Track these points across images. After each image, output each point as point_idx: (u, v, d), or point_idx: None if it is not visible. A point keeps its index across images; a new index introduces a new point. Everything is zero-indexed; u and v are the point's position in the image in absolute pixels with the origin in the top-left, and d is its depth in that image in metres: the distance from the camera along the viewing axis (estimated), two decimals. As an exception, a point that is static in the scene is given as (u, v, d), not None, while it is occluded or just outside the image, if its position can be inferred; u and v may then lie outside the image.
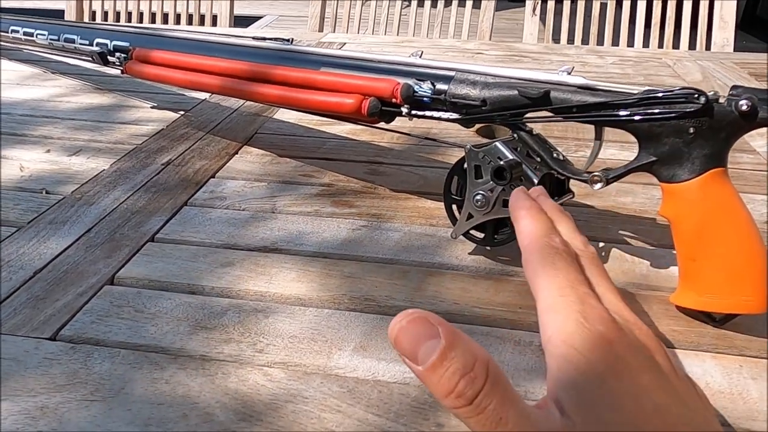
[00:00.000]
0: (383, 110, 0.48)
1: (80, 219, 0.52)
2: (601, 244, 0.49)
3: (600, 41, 1.42)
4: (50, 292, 0.42)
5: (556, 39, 1.44)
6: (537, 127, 0.45)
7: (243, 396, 0.33)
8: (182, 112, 0.78)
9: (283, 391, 0.33)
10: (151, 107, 0.80)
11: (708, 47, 1.35)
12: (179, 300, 0.41)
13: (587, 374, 0.20)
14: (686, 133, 0.37)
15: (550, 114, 0.42)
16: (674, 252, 0.39)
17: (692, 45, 1.37)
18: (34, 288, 0.42)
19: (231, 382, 0.34)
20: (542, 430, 0.20)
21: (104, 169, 0.61)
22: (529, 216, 0.28)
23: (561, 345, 0.22)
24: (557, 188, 0.46)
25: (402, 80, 0.47)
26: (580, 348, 0.21)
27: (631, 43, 1.41)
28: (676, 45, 1.38)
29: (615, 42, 1.41)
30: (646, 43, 1.40)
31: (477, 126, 0.73)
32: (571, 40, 1.44)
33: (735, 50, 1.31)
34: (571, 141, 0.71)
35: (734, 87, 0.37)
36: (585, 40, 1.41)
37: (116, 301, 0.41)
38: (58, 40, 0.76)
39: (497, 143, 0.42)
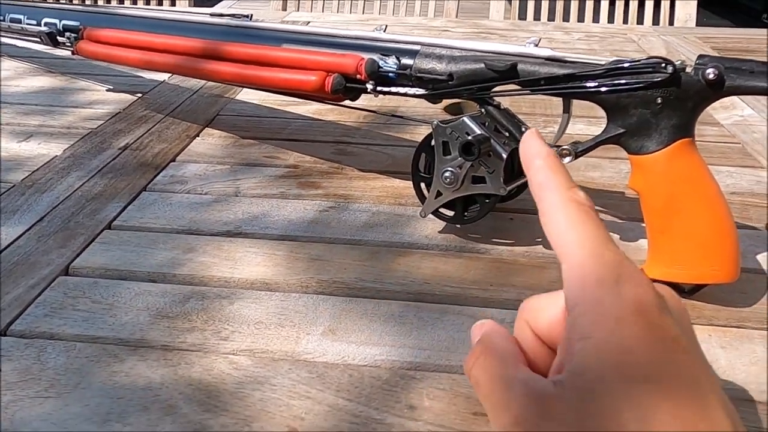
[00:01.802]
0: (348, 87, 0.47)
1: (31, 207, 0.49)
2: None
3: (566, 18, 1.42)
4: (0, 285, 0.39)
5: (522, 17, 1.43)
6: (505, 103, 0.44)
7: (207, 386, 0.32)
8: (140, 95, 0.75)
9: (249, 379, 0.32)
10: (107, 90, 0.76)
11: (671, 22, 1.37)
12: (139, 289, 0.39)
13: (617, 351, 0.19)
14: (654, 104, 0.36)
15: (517, 87, 0.42)
16: (643, 225, 0.39)
17: (656, 20, 1.38)
18: (-19, 281, 0.40)
19: (194, 372, 0.33)
20: (518, 392, 0.21)
21: (57, 155, 0.58)
22: (548, 166, 0.24)
23: (590, 313, 0.20)
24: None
25: (366, 55, 0.46)
26: (613, 317, 0.20)
27: (596, 20, 1.41)
28: (640, 21, 1.38)
29: (581, 18, 1.41)
30: (611, 19, 1.40)
31: (445, 104, 0.72)
32: (537, 17, 1.43)
33: (697, 26, 1.33)
34: (539, 117, 0.70)
35: (700, 56, 0.37)
36: (551, 17, 1.41)
37: (71, 292, 0.39)
38: (3, 20, 0.72)
39: (464, 118, 0.41)
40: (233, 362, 0.33)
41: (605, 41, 1.05)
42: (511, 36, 1.07)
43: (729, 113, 0.72)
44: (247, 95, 0.74)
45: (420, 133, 0.65)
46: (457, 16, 1.42)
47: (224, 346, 0.35)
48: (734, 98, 0.74)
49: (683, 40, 1.06)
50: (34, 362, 0.33)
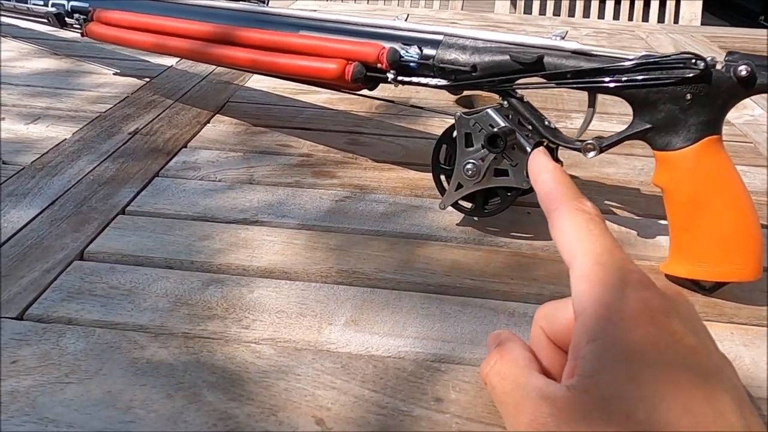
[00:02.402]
0: (368, 76, 0.46)
1: (43, 191, 0.48)
2: (588, 215, 0.48)
3: (571, 13, 1.41)
4: (14, 268, 0.39)
5: (527, 11, 1.43)
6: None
7: (231, 374, 0.31)
8: (147, 79, 0.74)
9: (273, 369, 0.32)
10: (114, 74, 0.75)
11: (676, 21, 1.37)
12: (156, 275, 0.39)
13: (625, 349, 0.19)
14: (683, 100, 0.36)
15: (541, 80, 0.41)
16: (660, 222, 0.39)
17: (661, 18, 1.38)
18: (-5, 264, 0.39)
19: (217, 360, 0.32)
20: (533, 397, 0.21)
21: (66, 138, 0.57)
22: (555, 179, 0.26)
23: (598, 317, 0.21)
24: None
25: (388, 44, 0.45)
26: (620, 320, 0.20)
27: (601, 16, 1.41)
28: (645, 19, 1.38)
29: (586, 14, 1.41)
30: (616, 16, 1.40)
31: (456, 96, 0.71)
32: (542, 11, 1.43)
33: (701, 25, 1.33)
34: (551, 111, 0.70)
35: (730, 53, 0.36)
36: (556, 12, 1.40)
37: (87, 277, 0.38)
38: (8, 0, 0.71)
39: (488, 110, 0.41)
40: (256, 351, 0.33)
41: (613, 38, 1.05)
42: (519, 30, 1.07)
43: (740, 113, 0.72)
44: (257, 82, 0.74)
45: (432, 124, 0.64)
46: (462, 9, 1.42)
47: (246, 334, 0.34)
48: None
49: (691, 38, 1.06)
50: (53, 347, 0.33)
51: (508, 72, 0.41)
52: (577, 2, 1.41)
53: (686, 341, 0.20)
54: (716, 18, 3.36)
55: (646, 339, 0.20)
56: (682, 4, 1.37)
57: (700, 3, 1.36)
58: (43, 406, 0.29)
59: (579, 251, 0.23)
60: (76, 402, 0.29)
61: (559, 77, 0.40)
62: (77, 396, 0.30)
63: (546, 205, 0.26)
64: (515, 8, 1.45)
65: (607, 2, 1.41)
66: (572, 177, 0.54)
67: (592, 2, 1.41)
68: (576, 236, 0.23)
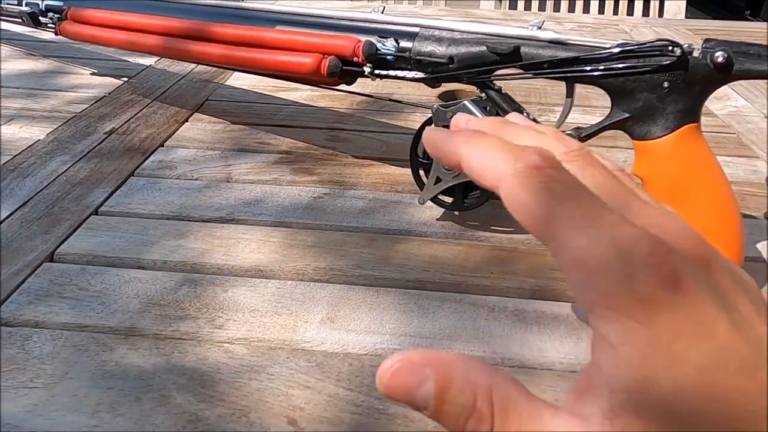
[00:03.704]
0: (344, 70, 0.45)
1: (14, 192, 0.47)
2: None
3: (556, 8, 1.41)
4: (-19, 271, 0.38)
5: (512, 6, 1.42)
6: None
7: (202, 375, 0.31)
8: (126, 79, 0.72)
9: (245, 369, 0.31)
10: (91, 73, 0.74)
11: (661, 15, 1.37)
12: (128, 276, 0.38)
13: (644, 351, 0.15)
14: (660, 88, 0.36)
15: (519, 71, 0.41)
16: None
17: (645, 12, 1.38)
18: (-39, 268, 0.38)
19: (188, 361, 0.31)
20: None
21: (40, 139, 0.56)
22: (478, 146, 0.18)
23: (607, 312, 0.16)
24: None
25: (364, 37, 0.45)
26: (628, 315, 0.15)
27: (586, 10, 1.41)
28: (629, 13, 1.38)
29: (571, 9, 1.41)
30: (601, 10, 1.40)
31: (439, 92, 0.71)
32: (527, 7, 1.42)
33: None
34: (534, 105, 0.70)
35: (707, 40, 0.36)
36: (542, 7, 1.40)
37: (57, 279, 0.37)
38: (-18, -1, 0.69)
39: (466, 102, 0.40)
40: (228, 351, 0.32)
41: (598, 32, 1.04)
42: (504, 25, 1.06)
43: (723, 104, 0.71)
44: (237, 81, 0.73)
45: (413, 120, 0.64)
46: (446, 5, 1.41)
47: (219, 334, 0.33)
48: (728, 89, 0.74)
49: (674, 31, 1.06)
50: (18, 351, 0.32)
51: (484, 63, 0.41)
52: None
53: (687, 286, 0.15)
54: (701, 13, 3.38)
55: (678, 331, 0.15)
56: (667, -2, 1.37)
57: (684, -3, 1.37)
58: (5, 412, 0.28)
59: (557, 234, 0.17)
60: (40, 407, 0.28)
61: (536, 67, 0.39)
62: (41, 401, 0.29)
63: (495, 185, 0.18)
64: (500, 4, 1.44)
65: (591, -2, 1.41)
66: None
67: (577, -3, 1.41)
68: (546, 214, 0.17)
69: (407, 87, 0.69)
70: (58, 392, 0.29)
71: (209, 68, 0.74)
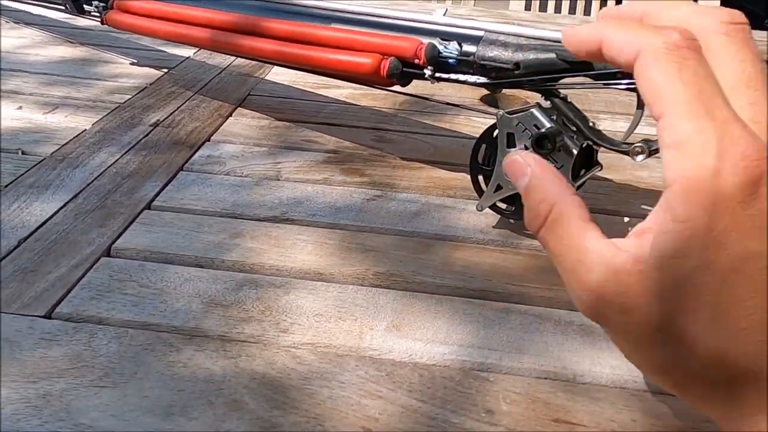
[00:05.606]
0: (404, 72, 0.45)
1: (65, 183, 0.47)
2: (626, 219, 0.47)
3: (587, 11, 1.40)
4: (40, 263, 0.37)
5: (542, 7, 1.41)
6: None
7: (272, 381, 0.30)
8: (165, 70, 0.72)
9: (315, 375, 0.31)
10: (130, 63, 0.74)
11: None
12: (188, 274, 0.37)
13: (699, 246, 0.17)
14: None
15: (587, 80, 0.40)
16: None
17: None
18: (20, 259, 0.38)
19: (257, 365, 0.31)
20: (598, 266, 0.20)
21: (86, 129, 0.56)
22: (621, 27, 0.20)
23: (687, 199, 0.18)
24: (585, 160, 0.43)
25: (426, 39, 0.44)
26: (712, 206, 0.17)
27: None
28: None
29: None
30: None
31: (480, 93, 0.70)
32: (558, 9, 1.41)
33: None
34: (578, 112, 0.69)
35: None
36: (572, 9, 1.39)
37: (116, 274, 0.37)
38: (25, -15, 0.69)
39: (533, 110, 0.40)
40: (296, 356, 0.32)
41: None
42: (539, 29, 1.05)
43: None
44: (277, 76, 0.72)
45: (459, 122, 0.63)
46: (475, 5, 1.40)
47: (284, 338, 0.33)
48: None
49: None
50: (85, 348, 0.31)
51: (553, 71, 0.40)
52: (593, 3, 1.39)
53: None
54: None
55: (733, 229, 0.17)
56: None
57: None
58: (78, 411, 0.28)
59: (665, 110, 0.18)
60: (112, 407, 0.28)
61: (608, 77, 0.38)
62: (113, 401, 0.28)
63: (624, 62, 0.20)
64: (530, 4, 1.43)
65: (623, 2, 1.40)
66: (606, 180, 0.53)
67: (608, 3, 1.40)
68: (660, 85, 0.18)
69: (448, 88, 0.68)
70: (129, 392, 0.29)
71: (248, 61, 0.74)
